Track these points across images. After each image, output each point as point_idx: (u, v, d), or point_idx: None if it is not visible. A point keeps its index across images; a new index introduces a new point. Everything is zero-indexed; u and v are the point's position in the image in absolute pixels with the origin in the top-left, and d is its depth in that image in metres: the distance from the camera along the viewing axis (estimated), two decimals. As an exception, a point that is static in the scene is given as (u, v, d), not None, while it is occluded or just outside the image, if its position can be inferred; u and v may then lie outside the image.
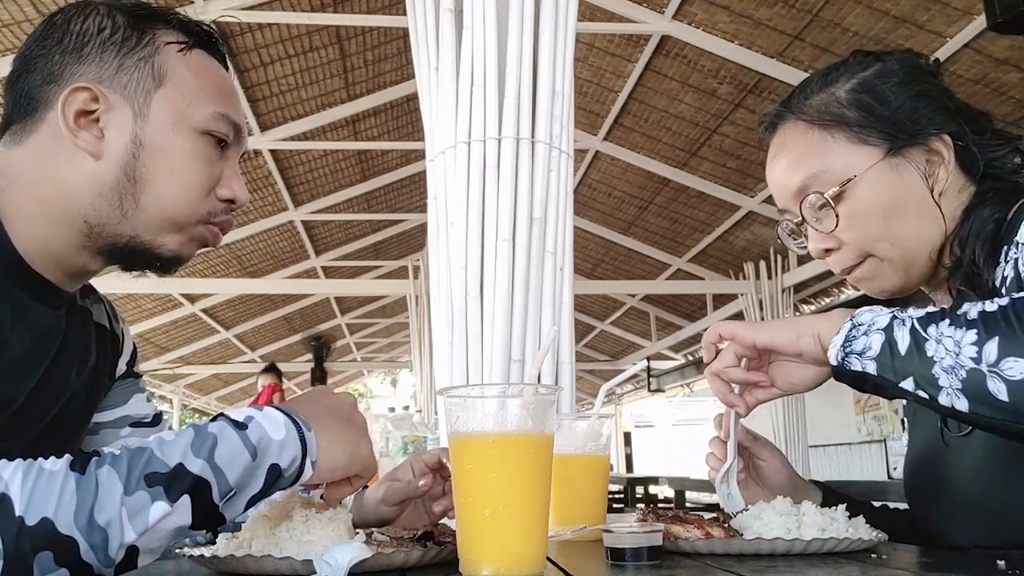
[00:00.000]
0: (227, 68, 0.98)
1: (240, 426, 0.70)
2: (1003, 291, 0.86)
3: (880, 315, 0.81)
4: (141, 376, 1.09)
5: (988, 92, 4.71)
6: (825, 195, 0.96)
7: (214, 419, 0.71)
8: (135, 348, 1.09)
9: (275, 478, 0.70)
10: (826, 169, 0.97)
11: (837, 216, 0.97)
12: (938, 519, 0.99)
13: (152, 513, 0.63)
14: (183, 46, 0.90)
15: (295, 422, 0.72)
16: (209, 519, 0.67)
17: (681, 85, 5.73)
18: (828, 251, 1.01)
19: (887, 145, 0.96)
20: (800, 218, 1.00)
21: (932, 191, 0.95)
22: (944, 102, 0.99)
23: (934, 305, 1.07)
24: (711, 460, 1.06)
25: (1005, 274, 0.87)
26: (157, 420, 1.08)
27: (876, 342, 0.80)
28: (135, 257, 0.88)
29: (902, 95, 0.97)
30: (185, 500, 0.64)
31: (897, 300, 1.01)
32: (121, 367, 1.05)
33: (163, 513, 0.63)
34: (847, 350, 0.82)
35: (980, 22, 4.04)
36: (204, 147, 0.88)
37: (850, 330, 0.82)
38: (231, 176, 0.92)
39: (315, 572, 0.65)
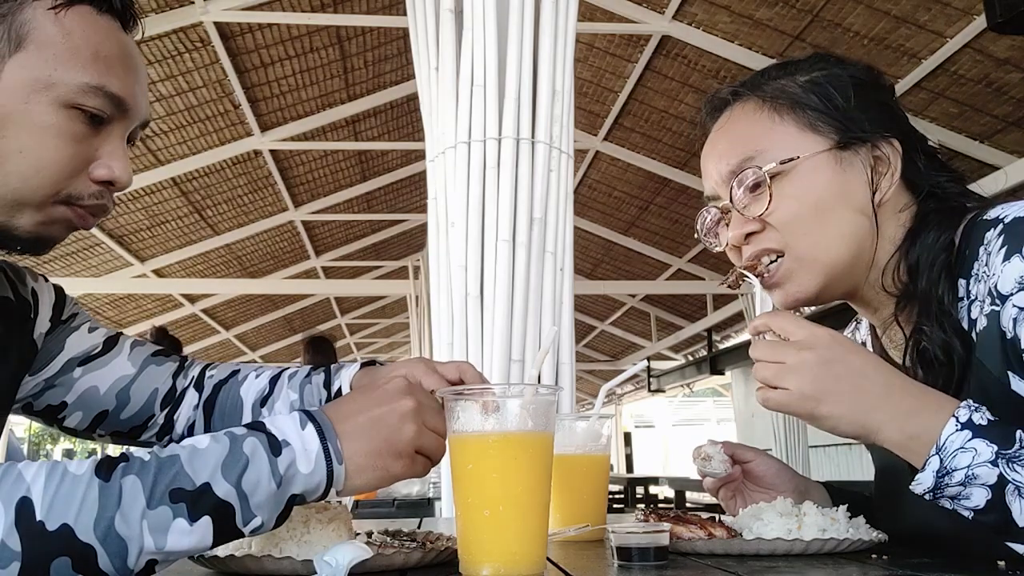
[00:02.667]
0: (130, 29, 0.84)
1: (275, 448, 0.67)
2: (975, 336, 0.82)
3: (979, 464, 0.73)
4: (74, 316, 1.01)
5: (988, 92, 4.71)
6: (763, 170, 0.90)
7: (256, 427, 0.69)
8: (60, 295, 1.00)
9: (294, 503, 0.69)
10: (766, 149, 0.92)
11: (771, 196, 0.90)
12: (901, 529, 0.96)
13: (173, 529, 0.62)
14: (57, 4, 0.77)
15: (327, 454, 0.69)
16: (229, 539, 0.66)
17: (681, 85, 5.73)
18: (749, 236, 0.93)
19: (837, 137, 0.91)
20: (728, 203, 0.94)
21: (873, 196, 0.90)
22: (899, 113, 0.95)
23: (871, 326, 1.03)
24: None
25: (973, 317, 0.83)
26: (111, 344, 1.01)
27: (980, 497, 0.74)
28: None
29: (862, 95, 0.93)
30: (206, 520, 0.63)
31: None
32: (43, 325, 0.96)
33: (184, 531, 0.62)
34: (937, 494, 0.76)
35: (980, 22, 4.04)
36: (68, 122, 0.76)
37: (940, 474, 0.75)
38: (111, 154, 0.80)
39: (315, 572, 0.65)
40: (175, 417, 1.04)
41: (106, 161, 0.80)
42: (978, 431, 0.74)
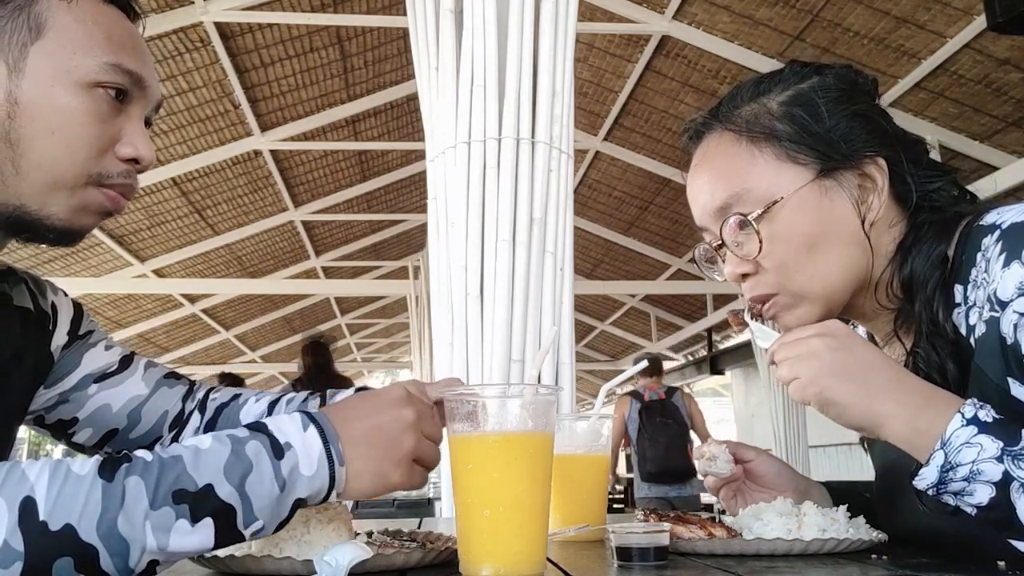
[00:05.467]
0: (133, 18, 0.88)
1: (278, 451, 0.68)
2: (972, 342, 0.81)
3: (984, 460, 0.72)
4: (91, 333, 1.02)
5: (988, 92, 4.71)
6: (748, 217, 0.89)
7: (258, 428, 0.69)
8: (78, 310, 1.02)
9: (297, 508, 0.70)
10: (751, 188, 0.90)
11: (760, 241, 0.89)
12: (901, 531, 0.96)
13: (175, 530, 0.62)
14: None
15: (329, 456, 0.70)
16: (230, 541, 0.66)
17: (681, 85, 5.74)
18: (745, 276, 0.93)
19: (818, 165, 0.89)
20: (719, 240, 0.93)
21: (864, 221, 0.88)
22: (881, 124, 0.92)
23: (867, 332, 1.02)
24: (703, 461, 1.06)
25: (972, 323, 0.82)
26: (126, 363, 1.03)
27: (983, 494, 0.73)
28: (24, 228, 0.81)
29: (838, 112, 0.90)
30: (208, 522, 0.64)
31: None
32: (60, 339, 0.98)
33: (186, 532, 0.62)
34: (940, 490, 0.75)
35: (980, 22, 4.04)
36: (94, 102, 0.80)
37: (944, 469, 0.74)
38: (134, 133, 0.84)
39: (315, 572, 0.65)
40: (180, 439, 1.04)
41: (130, 140, 0.83)
42: (984, 427, 0.73)
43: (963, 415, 0.74)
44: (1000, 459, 0.72)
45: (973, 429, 0.73)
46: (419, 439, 0.75)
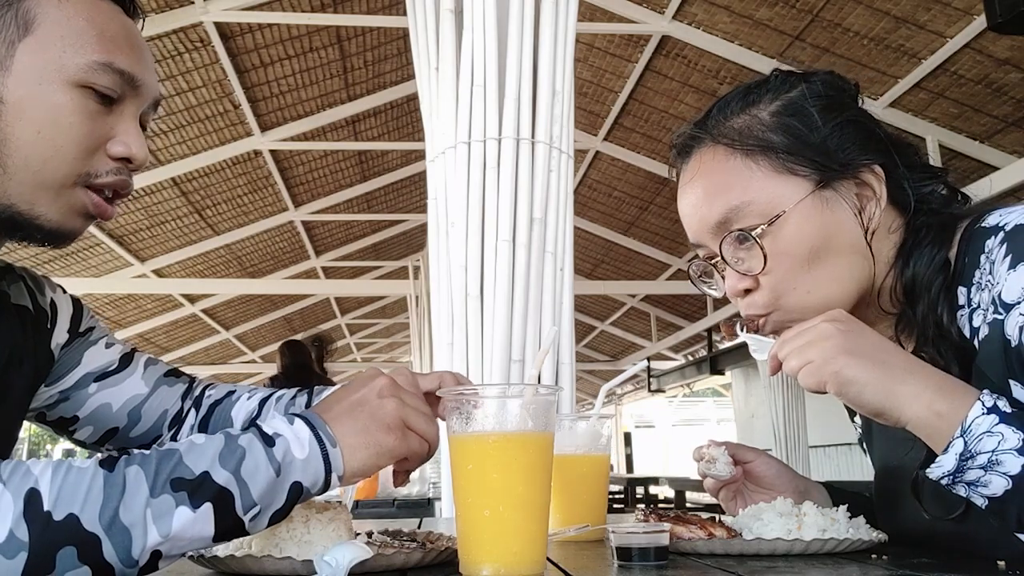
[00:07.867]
0: (132, 15, 0.86)
1: (268, 441, 0.69)
2: (976, 344, 0.81)
3: (1004, 451, 0.71)
4: (91, 330, 1.02)
5: (988, 92, 4.71)
6: (752, 234, 0.87)
7: (246, 429, 0.70)
8: (77, 307, 1.01)
9: (297, 495, 0.70)
10: (750, 201, 0.88)
11: (765, 256, 0.87)
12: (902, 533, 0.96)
13: (176, 517, 0.62)
14: None
15: (319, 439, 0.71)
16: (232, 530, 0.67)
17: (681, 85, 5.74)
18: (747, 292, 0.91)
19: (817, 176, 0.88)
20: (716, 255, 0.92)
21: (867, 231, 0.88)
22: (873, 130, 0.91)
23: None
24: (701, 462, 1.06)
25: (975, 325, 0.81)
26: (126, 362, 1.03)
27: (998, 485, 0.72)
28: (17, 228, 0.80)
29: (831, 120, 0.90)
30: (208, 508, 0.64)
31: None
32: (60, 337, 0.97)
33: (186, 519, 0.63)
34: (956, 478, 0.74)
35: (980, 22, 4.04)
36: (82, 101, 0.78)
37: (963, 457, 0.73)
38: (126, 131, 0.82)
39: (315, 572, 0.65)
40: (179, 438, 1.05)
41: (122, 138, 0.82)
42: (1004, 417, 0.72)
43: (983, 403, 0.73)
44: (1021, 451, 0.71)
45: (994, 418, 0.72)
46: (401, 403, 0.76)
